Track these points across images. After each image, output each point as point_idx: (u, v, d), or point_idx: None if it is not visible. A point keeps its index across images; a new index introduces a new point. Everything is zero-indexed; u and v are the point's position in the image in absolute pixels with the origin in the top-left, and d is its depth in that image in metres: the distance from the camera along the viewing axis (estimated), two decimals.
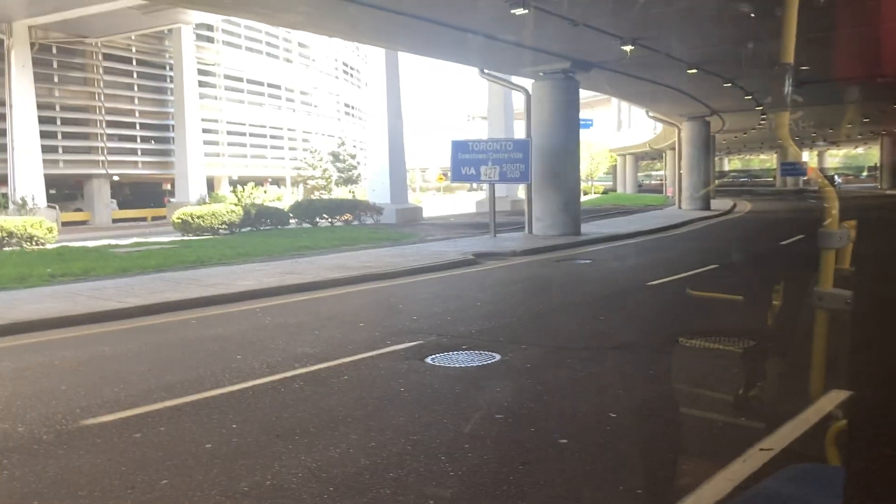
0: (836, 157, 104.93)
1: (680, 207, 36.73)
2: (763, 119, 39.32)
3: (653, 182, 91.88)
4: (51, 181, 37.55)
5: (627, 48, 18.18)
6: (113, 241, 21.95)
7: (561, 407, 5.60)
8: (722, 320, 8.88)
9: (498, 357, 7.09)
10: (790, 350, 6.78)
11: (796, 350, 6.23)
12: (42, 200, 34.00)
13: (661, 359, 7.11)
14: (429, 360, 7.06)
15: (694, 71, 22.55)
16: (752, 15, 15.73)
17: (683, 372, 6.63)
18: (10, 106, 34.30)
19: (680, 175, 38.39)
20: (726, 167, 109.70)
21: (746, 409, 5.50)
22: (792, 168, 60.17)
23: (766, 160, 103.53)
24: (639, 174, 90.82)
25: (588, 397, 5.92)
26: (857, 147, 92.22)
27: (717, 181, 58.20)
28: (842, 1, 14.31)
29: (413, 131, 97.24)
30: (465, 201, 57.31)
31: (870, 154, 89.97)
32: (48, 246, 20.87)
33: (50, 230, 21.61)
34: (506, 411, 5.45)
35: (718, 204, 38.55)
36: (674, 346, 7.58)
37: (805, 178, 66.94)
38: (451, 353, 7.32)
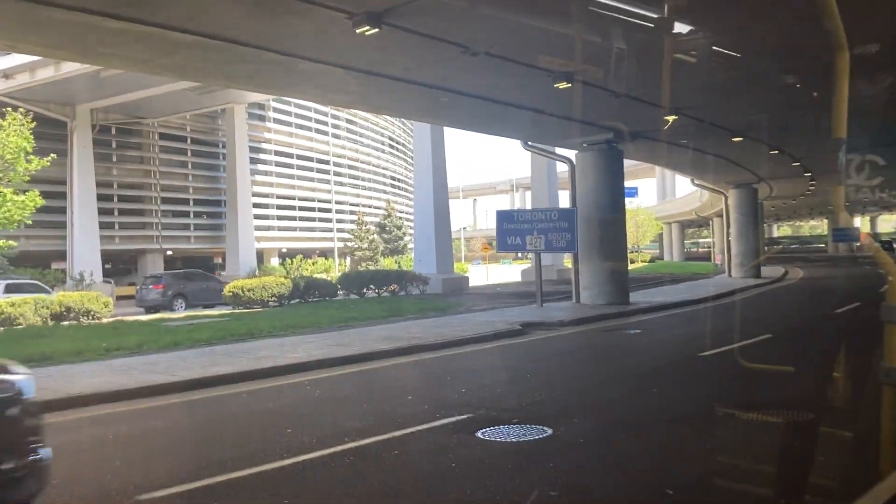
0: (889, 222, 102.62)
1: (730, 275, 36.14)
2: (812, 185, 38.85)
3: (700, 249, 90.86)
4: (106, 256, 38.73)
5: (670, 118, 18.27)
6: (165, 315, 22.39)
7: (617, 483, 5.46)
8: (779, 393, 8.62)
9: (550, 431, 6.97)
10: (853, 425, 6.55)
11: (860, 425, 6.02)
12: (98, 275, 35.00)
13: (718, 432, 6.91)
14: (479, 434, 6.97)
15: (739, 139, 22.49)
16: (797, 81, 15.76)
17: (741, 446, 6.42)
18: (72, 185, 35.74)
19: (728, 242, 37.92)
20: (775, 233, 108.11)
21: (808, 487, 5.29)
22: (843, 234, 59.04)
23: (817, 226, 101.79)
24: (686, 242, 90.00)
25: (644, 473, 5.76)
26: None
27: (767, 248, 57.26)
28: (884, 66, 14.23)
29: (457, 201, 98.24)
30: (511, 271, 57.27)
31: None
32: (104, 320, 21.39)
33: (106, 304, 22.19)
34: (560, 488, 5.33)
35: (769, 271, 37.84)
36: (731, 420, 7.37)
37: (858, 244, 65.54)
38: (501, 426, 7.22)
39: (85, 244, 35.70)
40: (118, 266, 42.42)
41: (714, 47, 13.21)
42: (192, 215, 44.26)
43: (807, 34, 11.89)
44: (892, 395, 2.85)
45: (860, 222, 79.72)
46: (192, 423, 8.21)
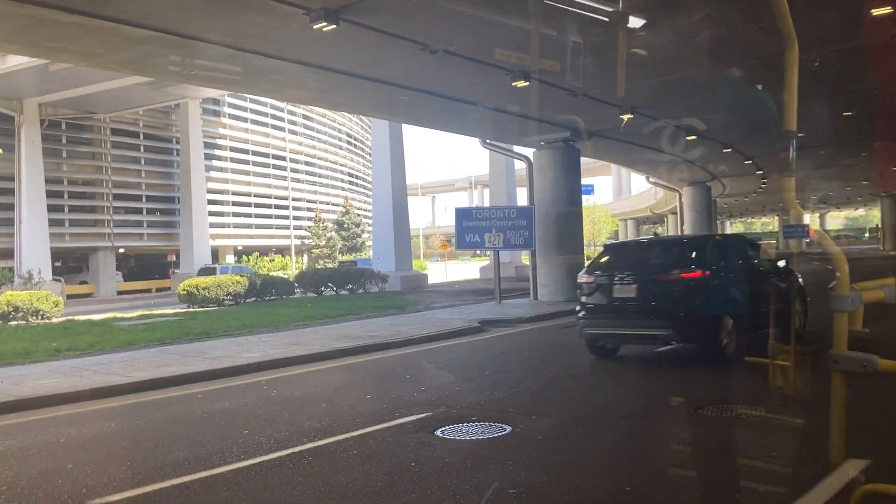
0: (837, 219, 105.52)
1: None
2: (764, 183, 39.70)
3: None
4: (56, 254, 37.85)
5: (626, 116, 18.50)
6: (118, 314, 21.97)
7: (575, 480, 5.50)
8: (733, 387, 8.78)
9: (509, 429, 7.00)
10: (806, 416, 6.70)
11: (813, 416, 6.16)
12: (48, 273, 34.16)
13: (675, 428, 7.01)
14: (438, 432, 6.97)
15: (693, 138, 22.88)
16: (749, 80, 16.07)
17: (698, 441, 6.53)
18: (20, 181, 34.83)
19: None
20: (728, 230, 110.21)
21: (763, 479, 5.40)
22: (794, 231, 60.42)
23: (769, 223, 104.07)
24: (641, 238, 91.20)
25: (602, 470, 5.82)
26: (857, 209, 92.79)
27: None
28: (834, 69, 14.62)
29: (416, 198, 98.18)
30: (470, 268, 57.45)
31: (871, 215, 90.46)
32: (54, 320, 20.89)
33: (56, 304, 21.67)
34: (519, 486, 5.35)
35: None
36: (686, 415, 7.49)
37: (808, 240, 67.13)
38: (460, 424, 7.23)
39: (33, 242, 34.82)
40: (69, 264, 41.48)
41: (668, 48, 13.41)
42: (145, 212, 43.50)
43: (758, 33, 12.16)
44: (840, 382, 2.92)
45: (809, 219, 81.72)
46: (147, 424, 8.06)
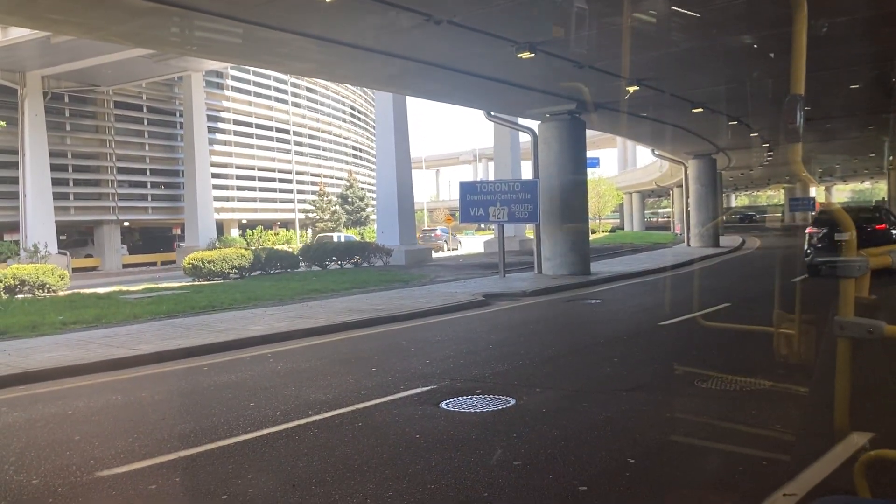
0: (843, 192, 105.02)
1: (689, 245, 36.67)
2: (769, 156, 39.46)
3: (660, 219, 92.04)
4: (61, 228, 37.92)
5: (632, 88, 18.34)
6: (124, 287, 22.05)
7: (579, 452, 5.53)
8: (739, 359, 8.80)
9: (513, 401, 7.03)
10: (808, 382, 6.72)
11: (817, 386, 6.18)
12: (53, 247, 34.28)
13: (678, 401, 7.04)
14: (443, 405, 7.00)
15: (699, 110, 22.71)
16: (756, 49, 15.90)
17: (701, 414, 6.55)
18: (23, 154, 34.83)
19: (688, 212, 38.42)
20: (734, 203, 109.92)
21: (768, 450, 5.42)
22: (800, 203, 60.24)
23: (774, 196, 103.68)
24: (646, 212, 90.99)
25: (605, 442, 5.85)
26: (863, 182, 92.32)
27: (724, 217, 58.24)
28: (840, 36, 14.43)
29: (420, 171, 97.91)
30: (474, 242, 57.45)
31: (877, 188, 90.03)
32: (60, 293, 20.98)
33: (62, 277, 21.75)
34: (523, 458, 5.39)
35: (727, 241, 38.48)
36: (690, 388, 7.51)
37: (813, 213, 66.93)
38: (465, 397, 7.26)
39: (38, 215, 34.88)
40: (74, 238, 41.57)
41: (674, 17, 13.25)
42: (149, 185, 43.46)
43: (766, 2, 12.01)
44: (845, 347, 2.90)
45: (815, 192, 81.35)
46: (153, 397, 8.12)
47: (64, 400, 7.97)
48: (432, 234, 51.82)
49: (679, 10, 12.88)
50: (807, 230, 19.08)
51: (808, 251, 18.04)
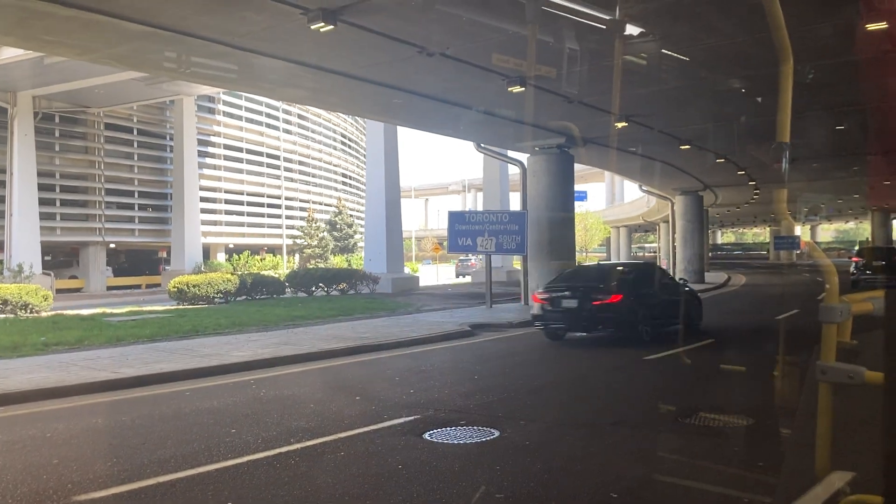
0: (827, 231, 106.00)
1: None
2: (756, 194, 39.86)
3: (647, 254, 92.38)
4: (47, 248, 37.65)
5: (621, 124, 18.56)
6: (107, 309, 21.88)
7: (561, 487, 5.51)
8: (721, 396, 8.82)
9: (496, 433, 7.01)
10: (792, 427, 6.72)
11: (799, 427, 6.18)
12: (38, 267, 33.97)
13: (661, 437, 7.03)
14: (426, 435, 6.97)
15: (686, 147, 22.98)
16: (744, 91, 16.15)
17: (684, 450, 6.55)
18: (11, 174, 34.65)
19: (674, 248, 38.65)
20: (720, 240, 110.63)
21: (748, 490, 5.42)
22: (785, 242, 60.73)
23: (760, 234, 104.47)
24: (633, 246, 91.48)
25: (588, 476, 5.84)
26: (847, 221, 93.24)
27: (710, 254, 58.54)
28: (826, 81, 14.69)
29: (409, 200, 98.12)
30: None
31: (861, 228, 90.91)
32: (43, 314, 20.79)
33: (45, 298, 21.57)
34: (506, 491, 5.37)
35: (712, 277, 38.67)
36: (673, 423, 7.51)
37: (798, 251, 67.44)
38: (449, 428, 7.24)
39: (24, 235, 34.62)
40: (59, 258, 41.28)
41: (664, 57, 13.47)
42: (136, 208, 43.30)
43: (753, 45, 12.23)
44: (827, 392, 2.94)
45: (800, 231, 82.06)
46: (133, 421, 8.04)
47: (43, 422, 7.88)
48: (468, 263, 52.97)
49: (667, 52, 13.10)
50: (852, 258, 30.44)
51: (854, 272, 26.56)
